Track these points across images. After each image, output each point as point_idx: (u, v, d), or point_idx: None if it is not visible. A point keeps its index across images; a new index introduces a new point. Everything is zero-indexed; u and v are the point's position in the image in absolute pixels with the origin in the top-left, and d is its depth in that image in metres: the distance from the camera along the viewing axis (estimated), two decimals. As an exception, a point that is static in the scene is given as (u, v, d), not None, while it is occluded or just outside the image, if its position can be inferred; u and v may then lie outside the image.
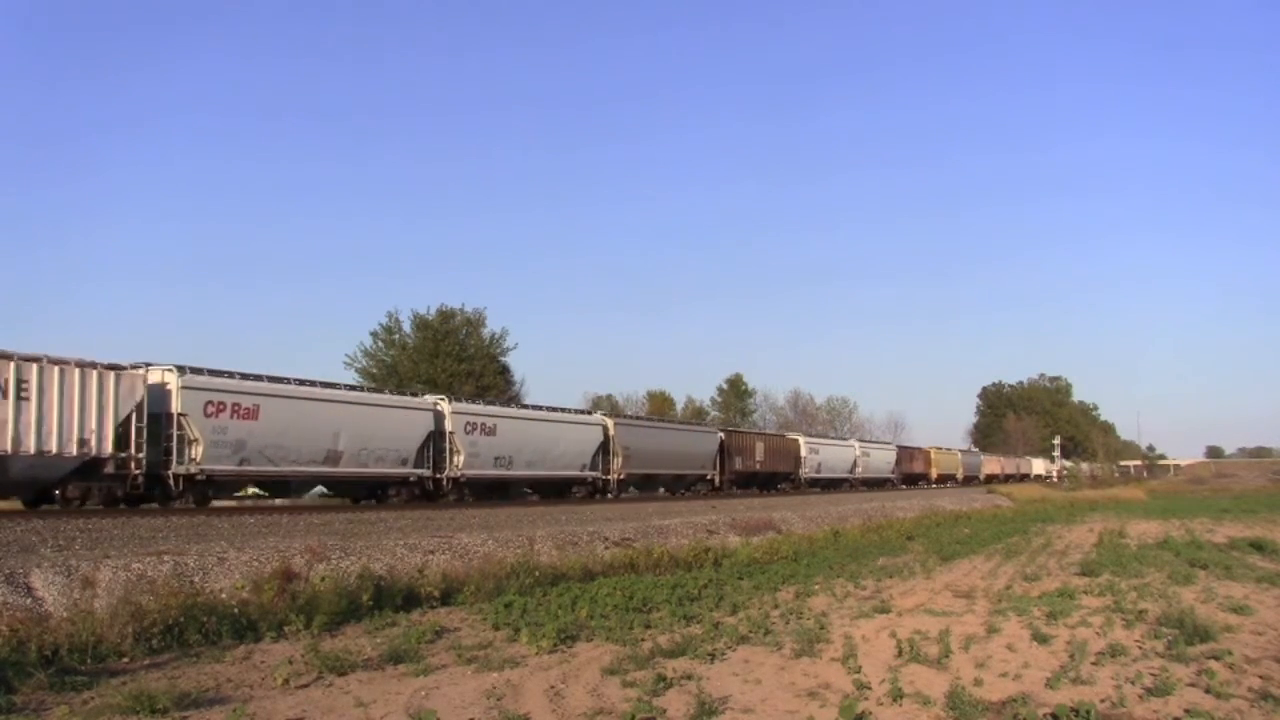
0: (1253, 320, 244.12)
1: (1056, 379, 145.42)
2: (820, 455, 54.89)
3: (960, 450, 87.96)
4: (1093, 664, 8.98)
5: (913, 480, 70.99)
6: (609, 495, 35.09)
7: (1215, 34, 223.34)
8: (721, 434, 45.39)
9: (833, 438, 65.00)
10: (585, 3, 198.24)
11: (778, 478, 50.56)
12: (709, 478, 43.23)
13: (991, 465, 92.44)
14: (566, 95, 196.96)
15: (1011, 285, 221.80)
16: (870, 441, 70.57)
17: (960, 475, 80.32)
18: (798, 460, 51.77)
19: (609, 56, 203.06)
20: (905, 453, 71.03)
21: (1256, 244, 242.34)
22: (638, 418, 45.82)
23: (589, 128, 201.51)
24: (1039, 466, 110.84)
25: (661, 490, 41.23)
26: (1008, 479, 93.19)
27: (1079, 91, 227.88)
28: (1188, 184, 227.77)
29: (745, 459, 45.92)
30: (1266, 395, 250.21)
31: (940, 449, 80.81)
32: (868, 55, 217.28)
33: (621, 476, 36.26)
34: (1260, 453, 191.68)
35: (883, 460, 65.28)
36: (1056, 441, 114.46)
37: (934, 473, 74.60)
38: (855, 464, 59.79)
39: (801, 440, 53.81)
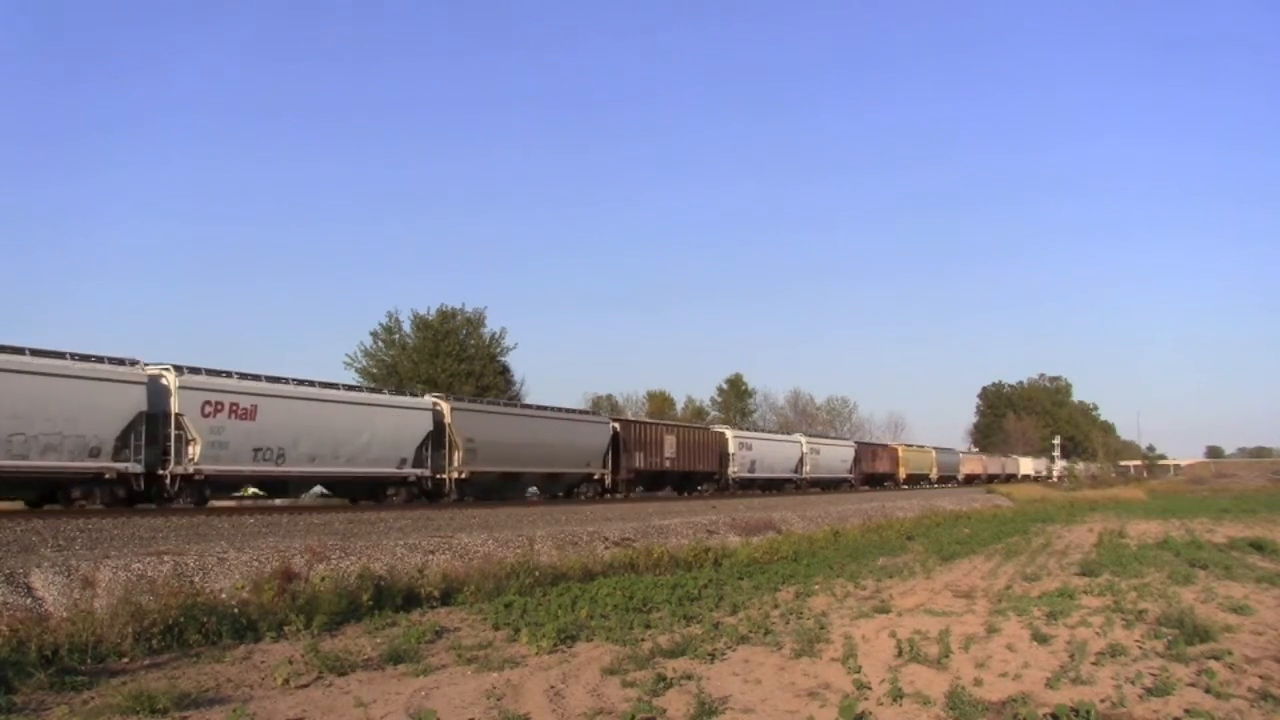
0: (1253, 320, 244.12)
1: (1056, 379, 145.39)
2: (754, 452, 47.61)
3: (936, 448, 79.97)
4: (1093, 664, 8.99)
5: (876, 481, 63.51)
6: (447, 497, 28.81)
7: (1215, 34, 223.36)
8: (615, 424, 38.08)
9: (772, 432, 58.49)
10: (585, 3, 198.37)
11: (696, 478, 43.19)
12: (597, 477, 35.57)
13: (972, 464, 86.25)
14: (566, 95, 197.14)
15: (1011, 285, 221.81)
16: (821, 437, 63.22)
17: (934, 475, 73.99)
18: (723, 457, 44.71)
19: (609, 57, 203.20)
20: (866, 450, 63.01)
21: (1256, 244, 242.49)
22: (489, 401, 35.55)
23: (589, 128, 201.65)
24: (1027, 466, 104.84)
25: (532, 492, 35.38)
26: (992, 479, 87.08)
27: (1079, 91, 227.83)
28: (1188, 184, 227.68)
29: (650, 455, 38.73)
30: (1266, 395, 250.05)
31: (910, 446, 75.08)
32: (867, 55, 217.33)
33: (462, 475, 29.12)
34: (1260, 453, 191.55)
35: (836, 458, 58.02)
36: (1056, 441, 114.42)
37: (902, 472, 67.53)
38: (802, 462, 52.66)
39: (729, 435, 46.64)
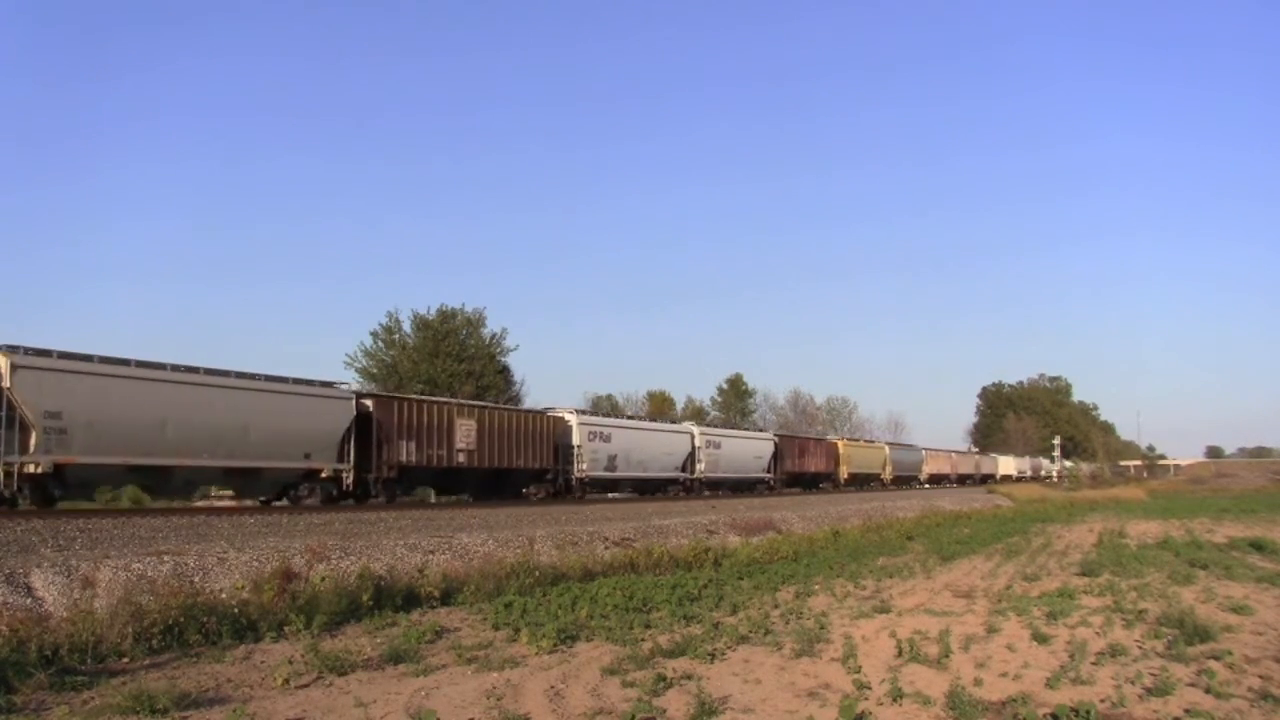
0: (1253, 320, 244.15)
1: (1056, 379, 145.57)
2: (616, 444, 37.20)
3: (890, 443, 72.68)
4: (1093, 664, 8.99)
5: (808, 483, 54.66)
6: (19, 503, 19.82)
7: (1215, 34, 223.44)
8: (369, 402, 27.11)
9: (650, 420, 47.30)
10: (586, 3, 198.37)
11: (514, 478, 32.50)
12: (327, 475, 25.47)
13: (938, 463, 77.18)
14: (567, 95, 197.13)
15: (1011, 285, 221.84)
16: (726, 428, 55.45)
17: (887, 475, 64.54)
18: (563, 451, 34.23)
19: (609, 56, 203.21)
20: (792, 445, 53.33)
21: (1256, 243, 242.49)
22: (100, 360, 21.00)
23: (589, 128, 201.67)
24: (1008, 466, 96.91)
25: (212, 492, 29.14)
26: (963, 480, 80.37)
27: (1079, 91, 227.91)
28: (1187, 183, 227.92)
29: (428, 445, 27.95)
30: (1266, 395, 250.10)
31: (854, 440, 65.86)
32: (868, 55, 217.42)
33: (39, 469, 19.54)
34: (1260, 453, 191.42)
35: (746, 454, 47.87)
36: (1056, 441, 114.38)
37: (844, 471, 57.98)
38: (693, 458, 42.68)
39: (574, 421, 35.34)
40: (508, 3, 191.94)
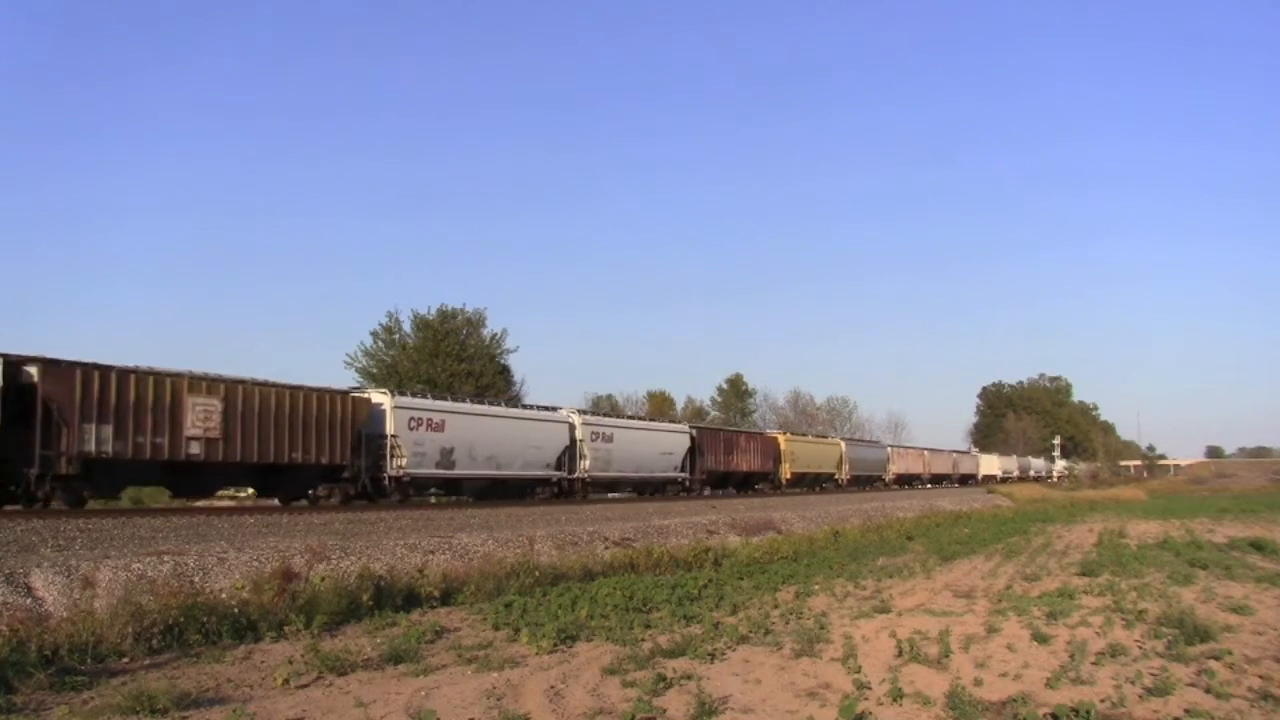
0: (1253, 320, 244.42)
1: (1056, 379, 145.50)
2: (450, 436, 28.80)
3: (847, 439, 64.57)
4: (1093, 664, 8.98)
5: (738, 483, 46.40)
6: None
7: (1215, 34, 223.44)
8: (33, 369, 19.43)
9: (516, 405, 36.73)
10: (586, 3, 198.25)
11: (293, 475, 25.21)
12: None
13: (907, 462, 69.35)
14: (566, 95, 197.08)
15: (1011, 285, 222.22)
16: (621, 419, 42.89)
17: (843, 475, 57.12)
18: (364, 442, 26.39)
19: (609, 56, 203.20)
20: (715, 440, 43.62)
21: (1256, 243, 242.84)
22: None
23: (589, 128, 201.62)
24: (992, 465, 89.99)
25: None
26: (937, 481, 73.86)
27: (1079, 91, 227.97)
28: (1187, 183, 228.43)
29: (136, 431, 20.70)
30: (1266, 395, 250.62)
31: (799, 436, 56.96)
32: (869, 55, 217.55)
33: None
34: (1260, 453, 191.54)
35: (650, 450, 38.31)
36: (1056, 441, 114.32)
37: (787, 470, 49.82)
38: (571, 453, 33.91)
39: (388, 404, 27.39)
40: (507, 3, 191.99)
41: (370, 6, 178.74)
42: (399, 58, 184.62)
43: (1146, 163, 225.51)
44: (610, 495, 37.63)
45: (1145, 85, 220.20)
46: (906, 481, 68.42)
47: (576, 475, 34.23)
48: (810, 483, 53.66)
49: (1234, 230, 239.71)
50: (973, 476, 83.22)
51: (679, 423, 45.52)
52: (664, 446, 39.65)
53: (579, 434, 34.56)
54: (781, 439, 51.80)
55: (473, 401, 33.42)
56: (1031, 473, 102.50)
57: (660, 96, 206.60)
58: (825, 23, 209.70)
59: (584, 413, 36.62)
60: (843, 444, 59.73)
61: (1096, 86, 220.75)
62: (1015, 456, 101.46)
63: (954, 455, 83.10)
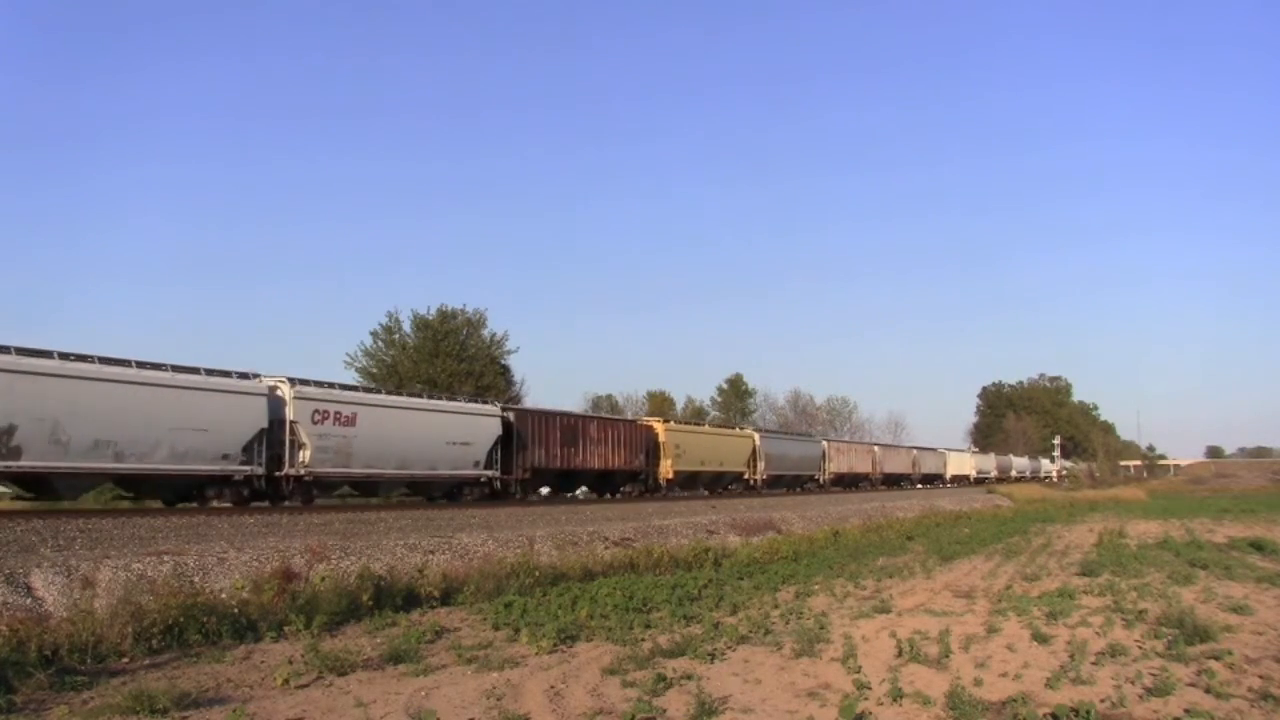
0: (1253, 320, 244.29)
1: (1056, 379, 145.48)
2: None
3: (767, 432, 54.18)
4: (1093, 664, 8.98)
5: (593, 483, 36.91)
6: None
7: (1215, 34, 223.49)
8: None
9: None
10: (586, 3, 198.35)
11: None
12: None
13: (849, 459, 58.84)
14: (566, 95, 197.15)
15: (1011, 285, 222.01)
16: (379, 394, 29.95)
17: (757, 476, 46.31)
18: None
19: (609, 56, 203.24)
20: (549, 428, 32.96)
21: (1256, 243, 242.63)
22: None
23: (589, 128, 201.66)
24: (963, 465, 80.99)
25: None
26: (893, 483, 64.11)
27: (1079, 91, 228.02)
28: (1187, 183, 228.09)
29: None
30: (1266, 395, 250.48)
31: (687, 426, 44.85)
32: (868, 55, 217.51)
33: None
34: (1260, 453, 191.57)
35: (431, 437, 28.05)
36: (1056, 441, 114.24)
37: (668, 468, 38.85)
38: (286, 444, 23.77)
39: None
40: (507, 2, 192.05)
41: (370, 6, 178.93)
42: (399, 57, 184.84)
43: (1148, 163, 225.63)
44: (373, 500, 29.40)
45: (1145, 85, 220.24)
46: (850, 483, 57.72)
47: (285, 472, 23.84)
48: (709, 484, 43.38)
49: (1234, 230, 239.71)
50: (938, 477, 74.86)
51: (489, 403, 32.71)
52: (454, 433, 28.62)
53: (290, 413, 23.83)
54: (659, 428, 39.81)
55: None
56: (1014, 473, 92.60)
57: (660, 96, 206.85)
58: (825, 23, 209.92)
59: (303, 383, 24.65)
60: (756, 436, 48.36)
61: (1096, 86, 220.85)
62: (994, 455, 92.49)
63: (914, 452, 73.01)
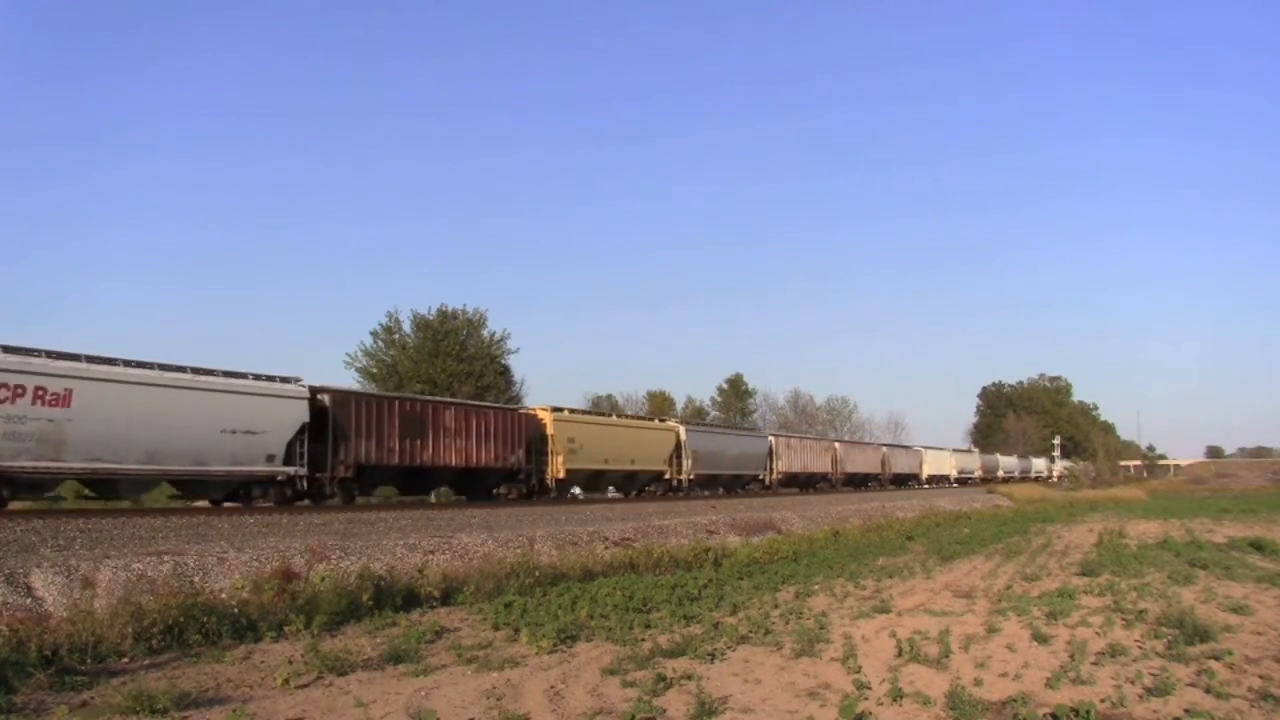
0: (1253, 320, 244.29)
1: (1056, 379, 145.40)
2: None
3: (694, 426, 44.94)
4: (1093, 664, 8.98)
5: (452, 481, 31.46)
6: None
7: (1215, 34, 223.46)
8: None
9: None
10: (586, 3, 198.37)
11: None
12: None
13: (803, 457, 51.13)
14: (566, 95, 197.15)
15: (1011, 285, 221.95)
16: (72, 361, 20.02)
17: (683, 474, 39.26)
18: None
19: (609, 56, 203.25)
20: (375, 412, 26.29)
21: (1256, 243, 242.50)
22: None
23: (589, 128, 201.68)
24: (942, 463, 73.21)
25: None
26: (857, 483, 57.00)
27: (1079, 91, 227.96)
28: (1187, 183, 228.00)
29: None
30: (1266, 395, 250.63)
31: (585, 416, 37.54)
32: (868, 55, 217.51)
33: None
34: (1260, 453, 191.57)
35: (200, 427, 21.90)
36: (1056, 441, 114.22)
37: (558, 466, 32.63)
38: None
39: None
40: (507, 3, 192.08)
41: (370, 6, 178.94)
42: (399, 57, 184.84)
43: (1147, 163, 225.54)
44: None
45: (1145, 85, 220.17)
46: (805, 484, 51.13)
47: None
48: (620, 485, 37.91)
49: (1234, 230, 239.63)
50: (912, 477, 68.39)
51: (291, 382, 24.88)
52: (233, 418, 22.64)
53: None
54: (546, 417, 32.72)
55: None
56: (1000, 473, 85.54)
57: (660, 96, 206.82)
58: (825, 23, 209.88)
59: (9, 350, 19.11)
60: (681, 430, 40.60)
61: (1096, 86, 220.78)
62: (978, 453, 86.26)
63: (883, 450, 65.44)
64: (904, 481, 66.11)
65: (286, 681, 8.25)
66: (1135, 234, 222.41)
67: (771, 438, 50.44)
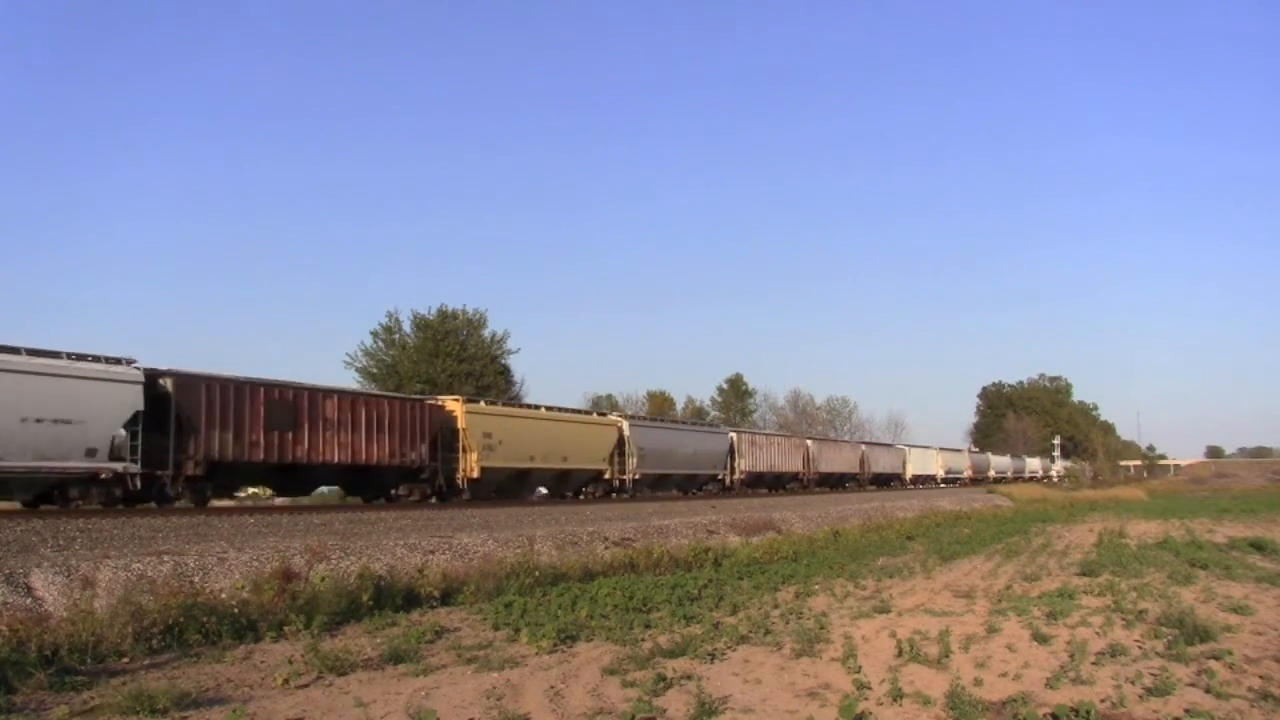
0: (1253, 320, 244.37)
1: (1056, 379, 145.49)
2: None
3: (639, 420, 40.38)
4: (1093, 664, 8.98)
5: (353, 483, 28.96)
6: None
7: (1215, 34, 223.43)
8: None
9: None
10: (586, 3, 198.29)
11: None
12: None
13: (771, 456, 48.28)
14: (566, 95, 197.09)
15: (1011, 285, 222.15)
16: None
17: (629, 475, 36.30)
18: None
19: (608, 57, 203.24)
20: (228, 398, 22.88)
21: (1256, 243, 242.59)
22: None
23: (588, 128, 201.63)
24: (930, 462, 69.41)
25: None
26: (833, 484, 53.96)
27: (1079, 91, 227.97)
28: (1187, 184, 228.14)
29: None
30: (1266, 395, 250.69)
31: (500, 409, 32.79)
32: (867, 55, 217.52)
33: None
34: (1260, 453, 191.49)
35: (57, 404, 19.64)
36: (1056, 441, 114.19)
37: (473, 465, 29.23)
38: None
39: None
40: (508, 3, 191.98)
41: (371, 6, 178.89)
42: (399, 58, 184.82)
43: (1147, 163, 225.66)
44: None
45: (1145, 85, 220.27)
46: (772, 484, 48.28)
47: None
48: (552, 486, 34.57)
49: (1234, 230, 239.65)
50: (896, 477, 64.67)
51: (122, 363, 21.46)
52: (40, 405, 19.45)
53: None
54: (458, 408, 29.06)
55: None
56: (991, 473, 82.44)
57: (660, 97, 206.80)
58: (825, 23, 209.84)
59: None
60: (624, 425, 37.05)
61: (1097, 86, 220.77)
62: (967, 453, 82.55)
63: (862, 448, 61.39)
64: (886, 482, 62.55)
65: (286, 681, 8.25)
66: (1135, 234, 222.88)
67: (732, 434, 47.17)
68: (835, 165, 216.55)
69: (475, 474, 29.06)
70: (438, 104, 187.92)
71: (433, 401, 29.83)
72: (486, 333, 55.92)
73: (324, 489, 32.25)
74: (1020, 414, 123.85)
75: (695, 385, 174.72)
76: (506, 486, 32.22)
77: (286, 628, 10.45)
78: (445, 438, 28.69)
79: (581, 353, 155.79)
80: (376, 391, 28.82)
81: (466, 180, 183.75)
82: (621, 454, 36.54)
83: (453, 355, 52.39)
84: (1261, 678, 8.49)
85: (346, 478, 27.93)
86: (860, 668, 8.62)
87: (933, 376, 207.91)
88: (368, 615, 11.63)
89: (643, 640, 10.10)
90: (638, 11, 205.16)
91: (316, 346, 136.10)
